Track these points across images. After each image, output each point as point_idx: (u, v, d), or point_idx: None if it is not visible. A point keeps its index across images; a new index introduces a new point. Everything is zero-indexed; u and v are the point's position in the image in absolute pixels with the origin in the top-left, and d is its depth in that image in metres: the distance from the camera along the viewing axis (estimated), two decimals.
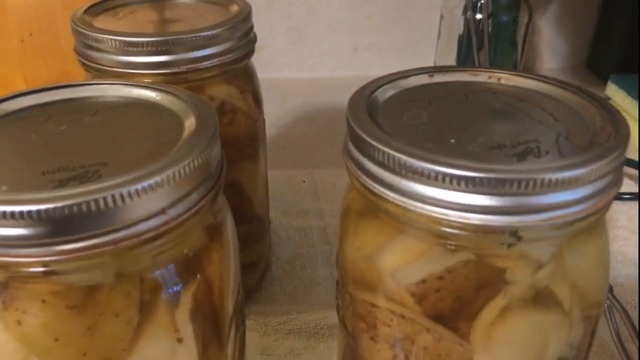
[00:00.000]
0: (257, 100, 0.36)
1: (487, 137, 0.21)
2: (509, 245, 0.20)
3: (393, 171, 0.20)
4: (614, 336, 0.34)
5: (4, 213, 0.17)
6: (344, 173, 0.24)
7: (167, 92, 0.24)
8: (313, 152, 0.59)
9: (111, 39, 0.30)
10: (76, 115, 0.23)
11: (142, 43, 0.30)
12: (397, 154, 0.20)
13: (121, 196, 0.18)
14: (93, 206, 0.17)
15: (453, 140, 0.21)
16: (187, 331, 0.21)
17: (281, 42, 0.73)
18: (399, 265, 0.22)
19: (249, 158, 0.36)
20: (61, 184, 0.18)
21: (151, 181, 0.18)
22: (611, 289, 0.37)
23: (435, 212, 0.20)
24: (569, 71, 0.77)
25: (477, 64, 0.59)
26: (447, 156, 0.19)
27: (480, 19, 0.59)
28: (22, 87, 0.23)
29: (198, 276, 0.21)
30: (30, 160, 0.20)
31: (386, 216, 0.22)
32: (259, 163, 0.38)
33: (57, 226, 0.17)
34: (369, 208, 0.23)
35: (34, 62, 0.61)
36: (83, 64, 0.32)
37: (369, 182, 0.21)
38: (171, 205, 0.19)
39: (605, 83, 0.63)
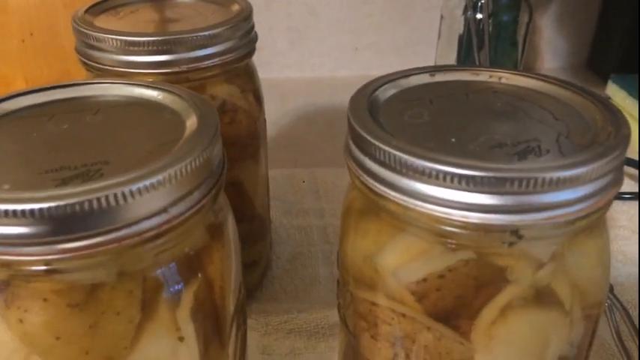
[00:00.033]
0: (258, 99, 0.36)
1: (488, 136, 0.21)
2: (510, 244, 0.20)
3: (394, 170, 0.20)
4: (615, 335, 0.34)
5: (6, 211, 0.17)
6: (345, 173, 0.24)
7: (168, 91, 0.24)
8: (314, 152, 0.59)
9: (112, 38, 0.30)
10: (77, 114, 0.23)
11: (143, 43, 0.30)
12: (398, 153, 0.20)
13: (123, 194, 0.18)
14: (95, 205, 0.17)
15: (453, 139, 0.21)
16: (189, 329, 0.21)
17: (281, 42, 0.73)
18: (400, 263, 0.22)
19: (250, 157, 0.36)
20: (63, 182, 0.18)
21: (153, 180, 0.18)
22: (611, 289, 0.37)
23: (435, 211, 0.20)
24: (570, 71, 0.77)
25: (477, 63, 0.59)
26: (447, 155, 0.19)
27: (481, 19, 0.59)
28: (23, 87, 0.23)
29: (200, 275, 0.21)
30: (32, 159, 0.20)
31: (387, 215, 0.22)
32: (260, 162, 0.38)
33: (59, 225, 0.17)
34: (370, 207, 0.23)
35: (35, 62, 0.61)
36: (84, 63, 0.32)
37: (370, 181, 0.21)
38: (173, 203, 0.19)
39: (605, 83, 0.63)
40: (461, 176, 0.19)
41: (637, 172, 0.51)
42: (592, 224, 0.21)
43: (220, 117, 0.23)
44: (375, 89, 0.24)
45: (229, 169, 0.23)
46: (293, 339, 0.36)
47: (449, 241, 0.20)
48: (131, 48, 0.30)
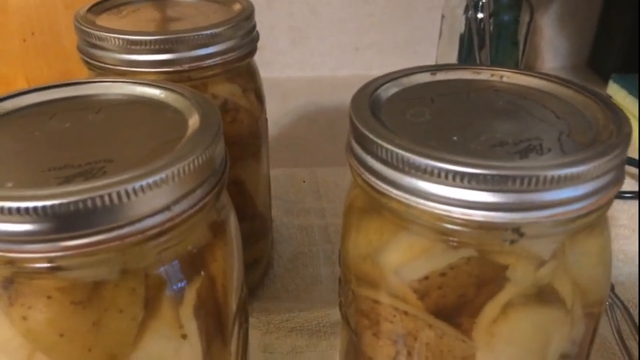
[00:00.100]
0: (259, 99, 0.36)
1: (489, 135, 0.22)
2: (512, 242, 0.20)
3: (395, 168, 0.20)
4: (616, 334, 0.34)
5: (10, 209, 0.17)
6: (346, 172, 0.24)
7: (171, 90, 0.24)
8: (315, 151, 0.59)
9: (114, 37, 0.30)
10: (79, 113, 0.23)
11: (145, 42, 0.30)
12: (400, 151, 0.20)
13: (126, 192, 0.18)
14: (98, 202, 0.17)
15: (455, 138, 0.21)
16: (191, 327, 0.21)
17: (282, 41, 0.73)
18: (402, 261, 0.22)
19: (251, 156, 0.36)
20: (67, 180, 0.18)
21: (156, 178, 0.18)
22: (612, 288, 0.37)
23: (437, 209, 0.20)
24: (571, 70, 0.77)
25: (478, 63, 0.59)
26: (449, 153, 0.19)
27: (482, 19, 0.59)
28: (24, 86, 0.23)
29: (202, 273, 0.21)
30: (35, 157, 0.20)
31: (389, 213, 0.22)
32: (261, 161, 0.38)
33: (62, 222, 0.17)
34: (372, 205, 0.23)
35: (36, 62, 0.61)
36: (86, 62, 0.32)
37: (372, 179, 0.21)
38: (176, 201, 0.19)
39: (606, 82, 0.63)
40: (463, 174, 0.19)
41: (637, 171, 0.51)
42: (593, 222, 0.21)
43: (222, 116, 0.23)
44: (377, 88, 0.25)
45: (231, 168, 0.23)
46: (294, 337, 0.36)
47: (451, 239, 0.20)
48: (133, 47, 0.30)
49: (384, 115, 0.23)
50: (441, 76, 0.26)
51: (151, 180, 0.18)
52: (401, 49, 0.75)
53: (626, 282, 0.40)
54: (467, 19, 0.61)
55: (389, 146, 0.20)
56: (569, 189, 0.19)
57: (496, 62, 0.62)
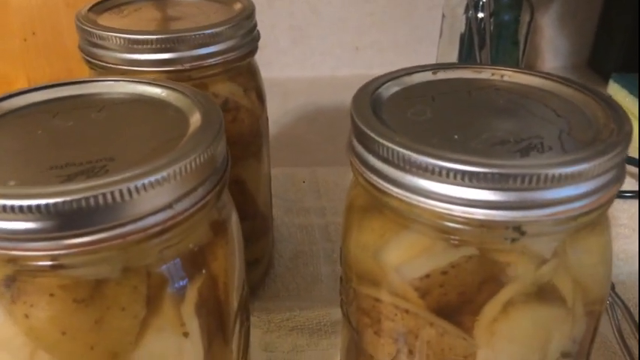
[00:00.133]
0: (260, 98, 0.36)
1: (490, 133, 0.22)
2: (513, 240, 0.20)
3: (397, 166, 0.20)
4: (616, 333, 0.34)
5: (12, 207, 0.17)
6: (345, 171, 0.24)
7: (172, 89, 0.24)
8: (315, 151, 0.59)
9: (115, 36, 0.30)
10: (82, 112, 0.24)
11: (147, 41, 0.30)
12: (401, 150, 0.20)
13: (129, 190, 0.18)
14: (100, 200, 0.17)
15: (456, 136, 0.21)
16: (193, 325, 0.21)
17: (283, 41, 0.74)
18: (403, 260, 0.22)
19: (252, 155, 0.36)
20: (69, 178, 0.19)
21: (158, 176, 0.18)
22: (612, 287, 0.37)
23: (438, 207, 0.20)
24: (571, 70, 0.77)
25: (478, 62, 0.59)
26: (450, 151, 0.19)
27: (482, 18, 0.59)
28: (25, 86, 0.23)
29: (204, 271, 0.21)
30: (37, 156, 0.20)
31: (390, 211, 0.22)
32: (262, 160, 0.38)
33: (65, 220, 0.17)
34: (373, 204, 0.23)
35: (37, 61, 0.61)
36: (88, 61, 0.32)
37: (374, 178, 0.21)
38: (178, 199, 0.19)
39: (606, 82, 0.63)
40: (464, 172, 0.19)
41: (637, 170, 0.51)
42: (594, 221, 0.21)
43: (223, 115, 0.23)
44: (378, 87, 0.25)
45: (232, 167, 0.23)
46: (295, 336, 0.36)
47: (452, 237, 0.21)
48: (134, 46, 0.30)
49: (385, 114, 0.23)
50: (442, 75, 0.26)
51: (152, 178, 0.18)
52: (401, 49, 0.75)
53: (627, 281, 0.40)
54: (467, 18, 0.61)
55: (390, 145, 0.20)
56: (570, 187, 0.19)
57: (496, 62, 0.62)
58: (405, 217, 0.21)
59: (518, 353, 0.22)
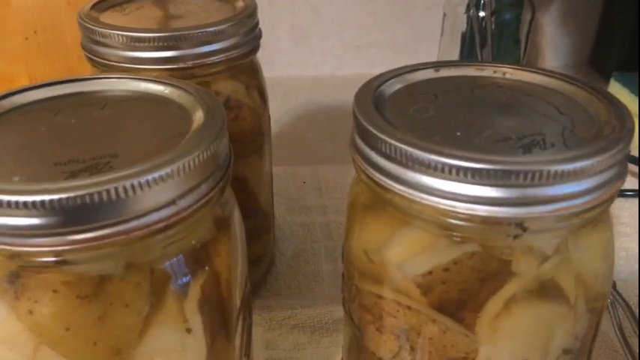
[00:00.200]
0: (262, 96, 0.36)
1: (493, 130, 0.22)
2: (515, 237, 0.20)
3: (399, 163, 0.20)
4: (617, 330, 0.35)
5: (16, 203, 0.17)
6: (347, 170, 0.24)
7: (175, 86, 0.24)
8: (316, 150, 0.59)
9: (118, 34, 0.30)
10: (85, 109, 0.24)
11: (149, 39, 0.30)
12: (404, 146, 0.20)
13: (132, 186, 0.18)
14: (104, 196, 0.17)
15: (459, 133, 0.21)
16: (196, 321, 0.21)
17: (284, 40, 0.74)
18: (406, 256, 0.22)
19: (254, 153, 0.37)
20: (73, 175, 0.19)
21: (162, 173, 0.18)
22: (614, 285, 0.37)
23: (441, 204, 0.20)
24: (572, 69, 0.77)
25: (480, 61, 0.59)
26: (453, 148, 0.19)
27: (483, 17, 0.59)
28: (27, 84, 0.24)
29: (207, 268, 0.21)
30: (41, 152, 0.20)
31: (392, 208, 0.22)
32: (264, 158, 0.38)
33: (69, 216, 0.17)
34: (376, 201, 0.23)
35: (39, 60, 0.61)
36: (90, 59, 0.32)
37: (376, 175, 0.21)
38: (181, 196, 0.19)
39: (607, 81, 0.63)
40: (466, 169, 0.19)
41: (638, 169, 0.51)
42: (596, 217, 0.21)
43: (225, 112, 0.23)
44: (381, 84, 0.25)
45: (234, 165, 0.23)
46: (297, 334, 0.36)
47: (454, 234, 0.21)
48: (137, 44, 0.30)
49: (387, 111, 0.23)
50: (445, 72, 0.26)
51: (156, 175, 0.18)
52: (402, 48, 0.75)
53: (628, 279, 0.40)
54: (468, 17, 0.61)
55: (392, 141, 0.20)
56: (572, 184, 0.19)
57: (498, 60, 0.62)
58: (407, 214, 0.21)
59: (520, 350, 0.22)
